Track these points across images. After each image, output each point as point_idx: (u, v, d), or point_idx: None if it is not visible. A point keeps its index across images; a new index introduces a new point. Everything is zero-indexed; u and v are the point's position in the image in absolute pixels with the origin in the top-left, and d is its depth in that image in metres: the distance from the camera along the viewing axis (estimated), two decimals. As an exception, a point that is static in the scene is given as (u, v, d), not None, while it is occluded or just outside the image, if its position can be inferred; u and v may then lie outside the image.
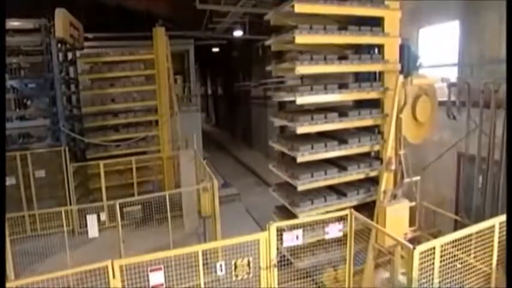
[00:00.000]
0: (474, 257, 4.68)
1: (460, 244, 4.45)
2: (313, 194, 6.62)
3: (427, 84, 6.52)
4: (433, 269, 4.19)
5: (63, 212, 7.54)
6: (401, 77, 6.22)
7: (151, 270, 4.66)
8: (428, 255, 4.16)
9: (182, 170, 9.70)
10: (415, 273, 4.01)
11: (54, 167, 9.58)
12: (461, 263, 4.55)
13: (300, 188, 6.39)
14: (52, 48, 9.71)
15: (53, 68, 9.74)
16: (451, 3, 7.47)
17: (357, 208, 6.28)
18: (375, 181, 6.83)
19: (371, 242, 5.77)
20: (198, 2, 10.63)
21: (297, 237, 5.12)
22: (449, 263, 4.40)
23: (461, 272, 4.56)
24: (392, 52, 6.80)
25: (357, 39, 6.66)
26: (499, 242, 4.68)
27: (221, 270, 4.87)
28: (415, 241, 6.08)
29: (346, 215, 5.33)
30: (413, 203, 6.57)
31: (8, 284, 4.73)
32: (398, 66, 6.89)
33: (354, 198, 6.73)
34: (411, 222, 6.57)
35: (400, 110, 6.22)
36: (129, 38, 15.58)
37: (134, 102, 11.51)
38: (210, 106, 35.81)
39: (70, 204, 9.37)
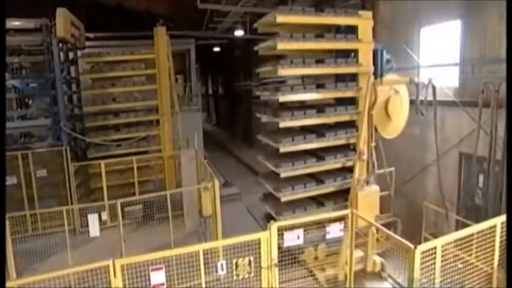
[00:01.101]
0: (476, 257, 4.68)
1: (462, 244, 4.45)
2: (294, 181, 7.28)
3: (399, 84, 7.18)
4: (435, 268, 4.19)
5: (64, 212, 7.55)
6: (372, 78, 6.98)
7: (152, 270, 4.67)
8: (429, 255, 4.16)
9: (183, 170, 9.70)
10: (417, 273, 4.00)
11: (56, 167, 9.58)
12: (463, 262, 4.55)
13: (283, 175, 7.10)
14: (53, 48, 9.70)
15: (54, 67, 9.73)
16: (452, 3, 7.47)
17: (335, 194, 7.43)
18: (351, 170, 7.34)
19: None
20: (199, 2, 10.61)
21: (298, 237, 5.12)
22: (450, 263, 4.40)
23: (462, 272, 4.55)
24: (365, 56, 7.40)
25: (333, 45, 7.37)
26: (500, 242, 4.67)
27: (222, 270, 4.87)
28: (390, 226, 6.96)
29: (347, 215, 5.33)
30: (388, 192, 7.37)
31: (10, 283, 4.74)
32: (371, 68, 7.43)
33: (331, 185, 7.43)
34: (387, 209, 7.37)
35: (370, 107, 6.94)
36: (130, 37, 15.58)
37: (135, 101, 11.49)
38: (211, 106, 35.78)
39: (71, 203, 9.37)
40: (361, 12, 7.48)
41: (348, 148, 7.70)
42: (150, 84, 11.41)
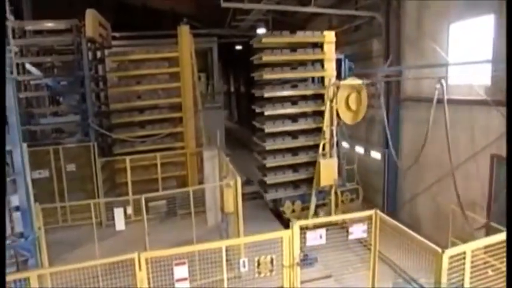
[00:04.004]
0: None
1: (493, 250, 4.25)
2: (276, 153, 10.18)
3: (358, 84, 9.39)
4: (464, 274, 4.03)
5: (92, 205, 7.82)
6: (333, 79, 9.60)
7: (176, 264, 4.76)
8: (457, 260, 4.00)
9: (205, 167, 9.83)
10: (444, 278, 3.87)
11: (84, 162, 9.95)
12: (494, 270, 4.35)
13: (268, 148, 9.95)
14: (82, 47, 10.06)
15: (83, 66, 10.09)
16: (485, -3, 7.13)
17: (308, 164, 10.08)
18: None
19: (314, 186, 9.57)
20: (223, 0, 10.64)
21: (321, 236, 5.07)
22: (480, 269, 4.22)
23: (493, 280, 4.35)
24: (329, 64, 10.03)
25: (304, 56, 9.99)
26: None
27: (244, 267, 4.90)
28: (353, 192, 10.11)
29: (371, 216, 5.24)
30: (352, 166, 10.31)
31: (42, 271, 4.99)
32: (334, 73, 10.04)
33: (304, 157, 10.19)
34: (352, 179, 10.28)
35: (331, 101, 9.34)
36: (155, 36, 15.88)
37: (159, 99, 11.70)
38: (233, 103, 35.98)
39: (98, 197, 9.71)
40: (325, 32, 10.02)
41: (318, 131, 10.01)
42: (173, 82, 11.58)
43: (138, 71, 11.37)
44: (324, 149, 9.56)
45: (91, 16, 9.94)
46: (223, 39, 19.01)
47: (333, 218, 5.75)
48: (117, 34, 15.12)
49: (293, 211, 9.87)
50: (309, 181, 9.89)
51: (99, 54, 11.71)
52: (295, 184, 10.28)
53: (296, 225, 4.86)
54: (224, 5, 10.80)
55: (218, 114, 16.05)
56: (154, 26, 16.06)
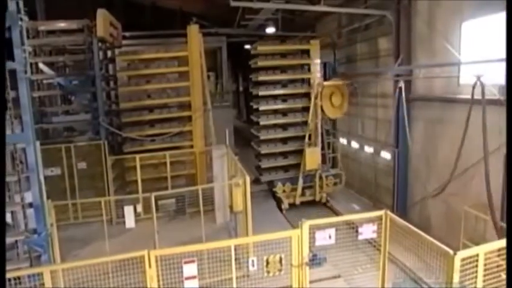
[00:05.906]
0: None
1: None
2: (269, 143, 12.26)
3: (340, 84, 11.56)
4: (476, 277, 3.96)
5: (102, 202, 7.92)
6: (317, 80, 11.60)
7: (185, 262, 4.80)
8: (469, 263, 3.94)
9: (214, 165, 9.87)
10: (456, 280, 3.81)
11: (95, 159, 10.09)
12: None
13: (262, 138, 12.17)
14: (93, 47, 10.19)
15: (94, 65, 10.23)
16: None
17: (297, 152, 11.99)
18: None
19: (301, 170, 11.48)
20: (232, 0, 10.64)
21: (330, 236, 5.05)
22: (492, 272, 4.14)
23: (504, 284, 4.27)
24: (314, 67, 12.00)
25: (294, 61, 12.01)
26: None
27: (253, 266, 4.91)
28: (337, 177, 11.84)
29: (381, 216, 5.20)
30: (336, 154, 12.42)
31: (55, 267, 5.09)
32: (319, 75, 12.09)
33: (292, 145, 12.17)
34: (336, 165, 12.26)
35: (315, 98, 11.27)
36: (164, 35, 15.97)
37: (169, 98, 11.77)
38: (241, 103, 35.99)
39: (108, 195, 9.83)
40: (312, 41, 11.93)
41: (305, 124, 11.73)
42: (183, 81, 11.62)
43: (147, 70, 11.46)
44: (309, 139, 11.36)
45: (102, 16, 10.04)
46: (232, 39, 18.99)
47: (342, 218, 5.71)
48: (127, 33, 15.23)
49: (284, 191, 11.79)
50: (297, 166, 11.77)
51: (109, 53, 11.85)
52: (285, 169, 12.19)
53: (305, 224, 4.84)
54: (233, 4, 10.77)
55: (227, 113, 16.08)
56: (164, 25, 16.15)
